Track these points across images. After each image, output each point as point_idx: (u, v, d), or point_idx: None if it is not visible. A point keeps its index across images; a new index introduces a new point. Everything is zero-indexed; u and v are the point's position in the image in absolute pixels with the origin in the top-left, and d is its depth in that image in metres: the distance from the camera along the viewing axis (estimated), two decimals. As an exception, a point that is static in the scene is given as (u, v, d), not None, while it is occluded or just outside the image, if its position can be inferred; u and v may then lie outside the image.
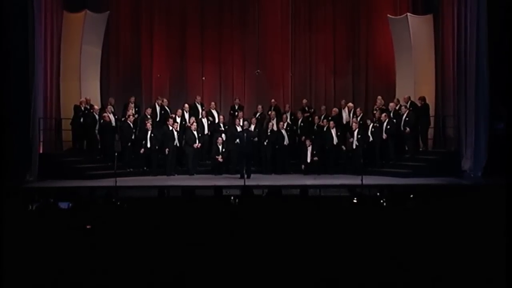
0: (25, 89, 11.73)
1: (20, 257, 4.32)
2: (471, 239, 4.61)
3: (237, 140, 12.66)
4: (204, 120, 13.51)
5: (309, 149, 12.99)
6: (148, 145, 12.80)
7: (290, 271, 4.22)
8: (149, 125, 12.87)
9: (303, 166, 12.92)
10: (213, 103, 14.13)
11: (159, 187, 8.53)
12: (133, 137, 12.93)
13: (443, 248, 4.52)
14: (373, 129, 12.77)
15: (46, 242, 4.59)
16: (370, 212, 5.77)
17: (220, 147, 13.09)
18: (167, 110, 13.66)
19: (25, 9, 11.66)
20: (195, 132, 13.01)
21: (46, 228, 4.95)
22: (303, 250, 4.39)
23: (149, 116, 13.21)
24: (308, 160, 12.95)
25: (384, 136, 12.64)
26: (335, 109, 13.74)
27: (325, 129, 13.18)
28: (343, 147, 13.03)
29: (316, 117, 13.69)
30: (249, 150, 12.32)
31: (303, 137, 13.21)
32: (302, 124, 13.58)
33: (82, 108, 12.89)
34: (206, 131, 13.44)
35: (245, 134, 12.39)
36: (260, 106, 14.12)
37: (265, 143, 13.05)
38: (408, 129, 12.54)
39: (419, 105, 12.79)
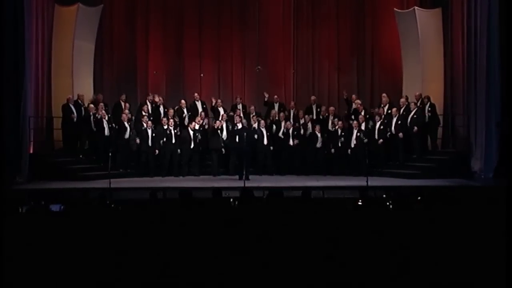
0: (14, 86, 11.73)
1: (10, 261, 4.33)
2: (481, 243, 4.61)
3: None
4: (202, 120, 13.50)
5: (319, 136, 13.03)
6: (149, 144, 12.75)
7: (292, 276, 4.23)
8: (149, 123, 12.86)
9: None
10: (219, 100, 14.06)
11: (151, 189, 8.54)
12: (126, 136, 12.88)
13: (452, 252, 4.52)
14: (381, 127, 12.75)
15: (37, 246, 4.60)
16: (375, 214, 5.78)
17: (219, 131, 13.01)
18: (159, 108, 13.64)
19: (14, 3, 11.67)
20: (191, 132, 12.96)
21: (37, 232, 4.96)
22: (306, 254, 4.39)
23: (145, 114, 13.21)
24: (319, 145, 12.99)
25: (393, 131, 12.61)
26: (332, 108, 13.79)
27: (335, 128, 13.12)
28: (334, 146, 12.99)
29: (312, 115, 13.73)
30: (248, 150, 12.32)
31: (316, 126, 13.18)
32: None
33: (72, 106, 12.84)
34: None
35: (245, 133, 12.39)
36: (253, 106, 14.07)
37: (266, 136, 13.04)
38: (416, 127, 12.54)
39: (427, 103, 12.80)
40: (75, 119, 12.83)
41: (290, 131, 13.14)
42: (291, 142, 13.09)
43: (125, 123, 12.87)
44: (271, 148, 13.14)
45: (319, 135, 13.11)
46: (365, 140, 12.65)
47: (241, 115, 13.45)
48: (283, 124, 13.33)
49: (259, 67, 14.88)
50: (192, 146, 12.88)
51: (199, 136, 12.96)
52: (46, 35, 13.14)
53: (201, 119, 13.29)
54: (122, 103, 13.49)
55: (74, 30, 13.34)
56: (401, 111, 12.87)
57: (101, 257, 4.36)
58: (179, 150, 12.87)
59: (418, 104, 12.77)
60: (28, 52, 12.02)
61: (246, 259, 4.32)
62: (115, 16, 14.94)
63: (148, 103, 13.61)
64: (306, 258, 4.39)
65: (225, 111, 13.78)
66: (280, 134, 13.27)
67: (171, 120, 12.94)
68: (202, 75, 15.08)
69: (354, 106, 13.59)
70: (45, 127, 13.22)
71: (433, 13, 13.60)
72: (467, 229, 4.99)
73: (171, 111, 13.26)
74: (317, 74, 15.40)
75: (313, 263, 4.35)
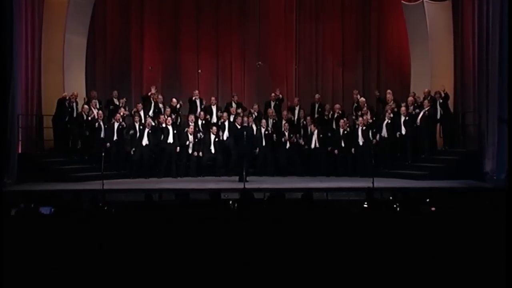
0: (3, 83, 11.72)
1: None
2: (494, 248, 4.61)
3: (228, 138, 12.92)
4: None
5: (315, 133, 13.01)
6: (144, 144, 12.75)
7: (295, 282, 4.23)
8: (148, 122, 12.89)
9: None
10: (213, 98, 14.02)
11: (147, 191, 8.55)
12: (115, 137, 12.88)
13: (462, 257, 4.52)
14: (389, 121, 12.74)
15: (26, 251, 4.60)
16: (382, 218, 5.77)
17: (213, 138, 13.04)
18: (160, 107, 13.67)
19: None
20: (190, 136, 12.97)
21: (25, 236, 4.95)
22: (308, 259, 4.39)
23: (141, 112, 13.21)
24: (313, 146, 12.98)
25: (404, 131, 12.61)
26: (338, 105, 13.77)
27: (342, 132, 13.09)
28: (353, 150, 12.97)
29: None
30: (248, 151, 12.31)
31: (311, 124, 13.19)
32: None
33: (67, 104, 12.86)
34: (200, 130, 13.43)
35: (245, 132, 12.38)
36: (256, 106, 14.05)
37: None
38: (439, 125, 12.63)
39: (439, 99, 12.78)
40: (66, 118, 12.83)
41: (287, 132, 13.15)
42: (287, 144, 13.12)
43: (116, 124, 12.84)
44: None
45: (315, 134, 13.07)
46: (374, 141, 12.67)
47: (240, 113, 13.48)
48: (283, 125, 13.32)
49: (259, 62, 14.88)
50: (190, 151, 12.97)
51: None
52: (36, 29, 13.12)
53: (202, 119, 13.34)
54: (115, 100, 13.50)
55: (65, 23, 13.32)
56: (410, 109, 12.86)
57: (93, 263, 4.36)
58: (178, 148, 12.91)
59: (428, 101, 12.74)
60: (17, 47, 12.01)
61: (246, 265, 4.32)
62: (108, 8, 14.93)
63: (152, 101, 13.59)
64: (309, 263, 4.39)
65: (218, 110, 13.79)
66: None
67: (169, 119, 12.97)
68: (200, 71, 15.07)
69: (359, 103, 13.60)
70: (35, 126, 13.22)
71: (443, 5, 13.58)
72: (478, 233, 4.99)
73: (168, 110, 13.27)
74: (320, 70, 15.40)
75: (316, 269, 4.34)
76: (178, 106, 13.56)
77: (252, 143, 12.55)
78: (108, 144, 12.62)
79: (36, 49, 13.15)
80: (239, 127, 12.90)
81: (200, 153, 13.02)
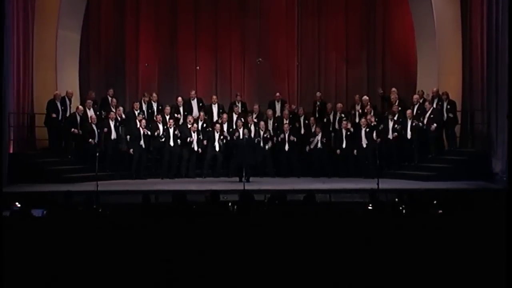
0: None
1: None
2: (502, 251, 4.61)
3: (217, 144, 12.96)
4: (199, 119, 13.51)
5: (319, 136, 12.99)
6: (142, 144, 12.80)
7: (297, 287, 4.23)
8: (143, 122, 12.89)
9: (307, 148, 13.01)
10: (214, 96, 14.04)
11: (144, 192, 8.54)
12: (113, 136, 12.89)
13: (471, 262, 4.52)
14: (397, 126, 12.73)
15: (17, 254, 4.60)
16: (387, 220, 5.78)
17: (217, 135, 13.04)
18: (153, 107, 13.67)
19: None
20: (194, 134, 13.00)
21: (17, 239, 4.95)
22: (311, 263, 4.39)
23: (138, 111, 13.23)
24: (312, 146, 12.99)
25: (409, 135, 12.62)
26: (340, 105, 13.75)
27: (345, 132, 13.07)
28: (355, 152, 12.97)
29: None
30: (250, 161, 12.28)
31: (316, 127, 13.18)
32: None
33: (58, 103, 12.86)
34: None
35: (245, 142, 12.41)
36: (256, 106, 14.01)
37: (266, 147, 13.05)
38: (434, 125, 12.50)
39: (446, 101, 12.78)
40: (59, 117, 12.85)
41: (287, 133, 13.14)
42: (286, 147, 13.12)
43: (111, 122, 12.86)
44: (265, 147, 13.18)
45: (318, 135, 13.04)
46: (378, 140, 12.68)
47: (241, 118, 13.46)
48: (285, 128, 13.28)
49: (260, 59, 14.87)
50: (195, 149, 13.03)
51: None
52: (28, 24, 13.12)
53: (201, 120, 13.36)
54: (110, 99, 13.53)
55: (58, 18, 13.36)
56: (415, 109, 12.85)
57: (86, 267, 4.36)
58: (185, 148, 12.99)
59: (436, 102, 12.74)
60: (8, 43, 11.99)
61: (246, 269, 4.32)
62: (103, 3, 14.93)
63: (144, 104, 13.60)
64: (312, 267, 4.39)
65: (220, 108, 13.77)
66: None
67: (171, 121, 13.01)
68: (198, 67, 15.07)
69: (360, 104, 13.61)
70: (27, 125, 13.23)
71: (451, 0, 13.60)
72: (487, 236, 4.99)
73: (168, 109, 13.29)
74: (323, 67, 15.38)
75: (319, 273, 4.34)
76: (177, 116, 13.52)
77: (256, 157, 12.50)
78: (104, 136, 12.64)
79: (28, 45, 13.15)
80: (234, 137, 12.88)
81: (205, 142, 13.03)
